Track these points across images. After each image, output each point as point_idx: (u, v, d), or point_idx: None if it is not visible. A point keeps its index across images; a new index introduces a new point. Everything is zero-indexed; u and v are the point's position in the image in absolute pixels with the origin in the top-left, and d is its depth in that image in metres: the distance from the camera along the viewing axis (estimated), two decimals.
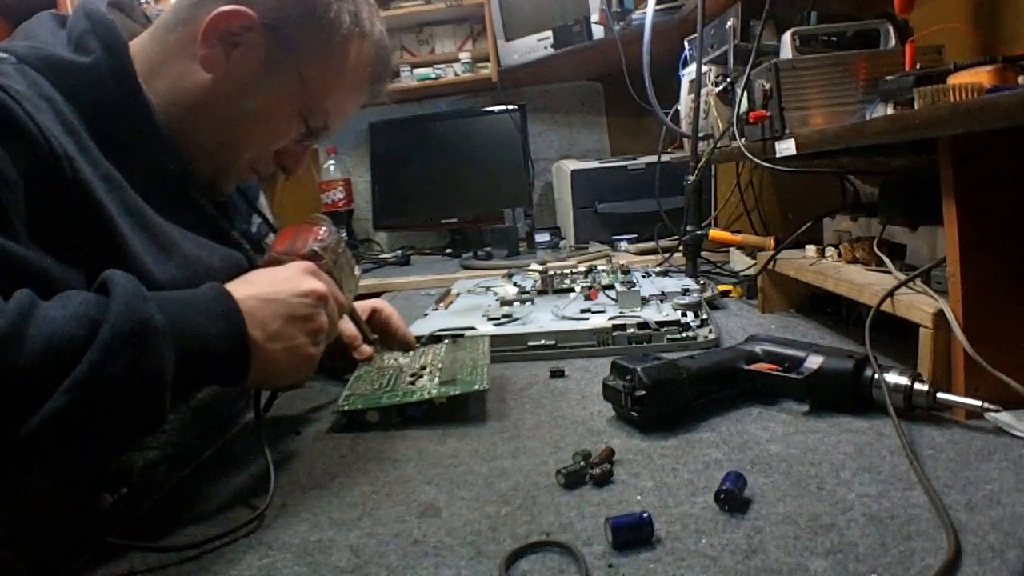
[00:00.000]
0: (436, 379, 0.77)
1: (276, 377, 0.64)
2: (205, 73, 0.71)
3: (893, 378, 0.63)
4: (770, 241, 1.25)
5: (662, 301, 1.07)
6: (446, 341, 0.93)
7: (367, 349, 0.90)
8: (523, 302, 1.15)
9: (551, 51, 2.11)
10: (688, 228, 1.38)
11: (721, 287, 1.23)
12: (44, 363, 0.47)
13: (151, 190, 0.68)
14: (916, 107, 0.69)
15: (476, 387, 0.74)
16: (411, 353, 0.89)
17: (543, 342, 0.95)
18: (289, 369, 0.63)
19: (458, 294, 1.31)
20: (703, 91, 1.32)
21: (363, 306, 0.98)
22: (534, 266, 1.52)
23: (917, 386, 0.62)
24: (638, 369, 0.66)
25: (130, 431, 0.54)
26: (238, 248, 0.79)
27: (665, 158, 1.61)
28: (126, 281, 0.53)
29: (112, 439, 0.53)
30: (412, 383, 0.77)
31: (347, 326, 0.88)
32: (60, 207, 0.57)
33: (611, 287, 1.17)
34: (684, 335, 0.93)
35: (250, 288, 0.62)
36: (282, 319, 0.62)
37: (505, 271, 1.53)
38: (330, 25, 0.74)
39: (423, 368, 0.82)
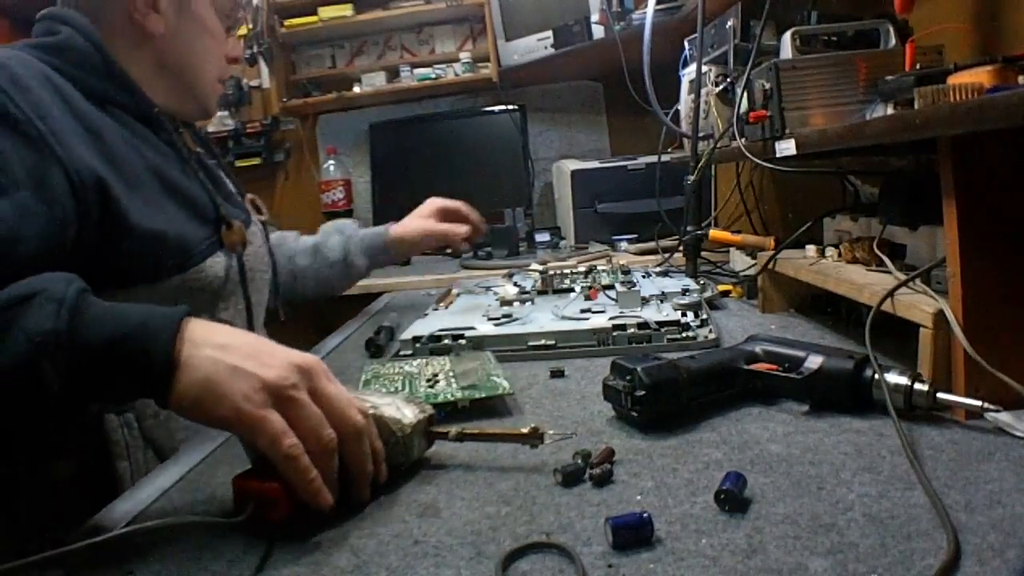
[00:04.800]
0: (455, 384, 0.77)
1: (204, 417, 0.53)
2: (152, 34, 0.90)
3: (893, 378, 0.63)
4: (770, 241, 1.25)
5: (662, 301, 1.07)
6: (450, 355, 0.92)
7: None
8: (523, 302, 1.15)
9: (551, 51, 2.11)
10: (688, 228, 1.38)
11: (721, 287, 1.23)
12: None
13: (140, 137, 0.85)
14: (916, 107, 0.69)
15: (500, 391, 0.74)
16: (416, 362, 0.89)
17: (543, 342, 0.95)
18: (219, 414, 0.52)
19: (458, 294, 1.31)
20: (703, 91, 1.32)
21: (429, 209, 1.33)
22: (534, 266, 1.52)
23: (917, 386, 0.62)
24: (638, 369, 0.65)
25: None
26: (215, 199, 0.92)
27: (665, 158, 1.61)
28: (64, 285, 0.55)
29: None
30: (431, 387, 0.77)
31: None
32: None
33: (611, 287, 1.17)
34: (684, 335, 0.93)
35: (212, 334, 0.55)
36: (242, 353, 0.54)
37: (505, 271, 1.53)
38: None
39: (435, 375, 0.82)
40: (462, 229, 1.30)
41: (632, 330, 0.94)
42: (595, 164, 2.05)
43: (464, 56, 2.43)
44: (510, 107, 2.32)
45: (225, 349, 0.53)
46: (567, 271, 1.36)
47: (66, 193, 0.71)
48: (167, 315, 0.55)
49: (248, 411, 0.51)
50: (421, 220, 1.34)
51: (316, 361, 0.55)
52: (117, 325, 0.53)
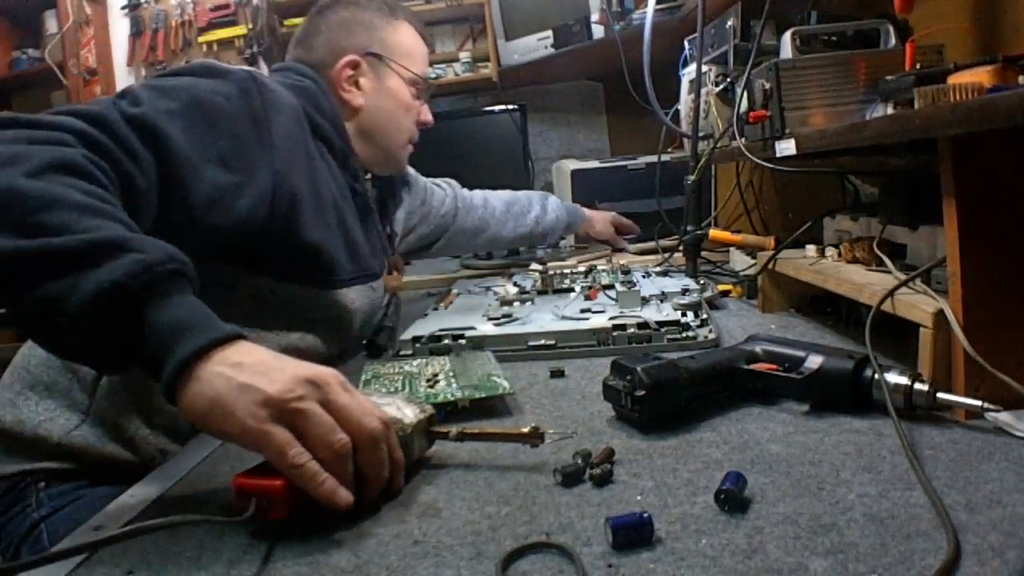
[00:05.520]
0: (455, 384, 0.77)
1: (206, 423, 0.54)
2: (354, 107, 1.09)
3: (893, 378, 0.63)
4: (770, 241, 1.25)
5: (662, 301, 1.07)
6: (450, 355, 0.92)
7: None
8: (523, 302, 1.15)
9: (551, 51, 2.12)
10: (688, 228, 1.38)
11: (721, 287, 1.23)
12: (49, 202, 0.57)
13: (336, 178, 1.00)
14: (916, 107, 0.69)
15: (500, 391, 0.74)
16: (416, 362, 0.89)
17: (543, 342, 0.95)
18: (220, 426, 0.53)
19: (458, 294, 1.31)
20: (703, 91, 1.32)
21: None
22: (534, 266, 1.52)
23: (917, 386, 0.62)
24: (638, 369, 0.65)
25: (58, 322, 0.55)
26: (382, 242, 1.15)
27: (665, 158, 1.61)
28: (154, 243, 0.59)
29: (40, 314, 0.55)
30: (431, 387, 0.77)
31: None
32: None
33: (611, 287, 1.17)
34: (684, 335, 0.93)
35: (242, 354, 0.56)
36: (260, 368, 0.55)
37: (505, 271, 1.53)
38: (391, 29, 1.14)
39: (435, 375, 0.82)
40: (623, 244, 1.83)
41: (632, 330, 0.94)
42: (595, 164, 2.05)
43: (464, 56, 2.43)
44: (510, 107, 2.31)
45: (238, 367, 0.54)
46: (567, 271, 1.36)
47: (264, 194, 0.83)
48: (215, 329, 0.56)
49: (252, 427, 0.51)
50: (607, 218, 1.80)
51: (330, 373, 0.55)
52: (169, 316, 0.55)
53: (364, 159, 1.11)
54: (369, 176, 1.16)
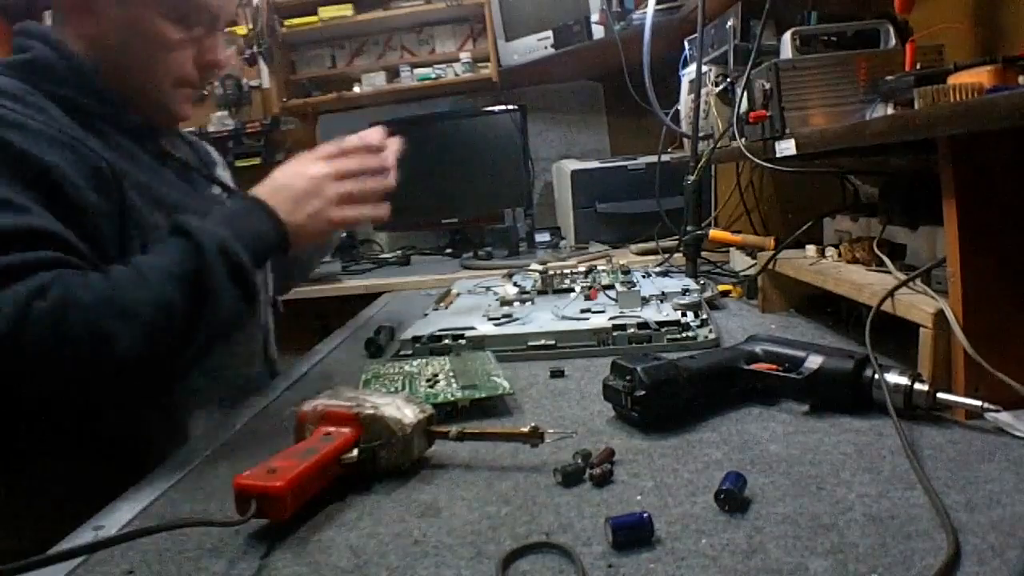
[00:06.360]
0: (455, 384, 0.77)
1: (312, 234, 0.86)
2: (89, 34, 0.86)
3: (893, 378, 0.63)
4: (770, 241, 1.25)
5: (662, 301, 1.07)
6: (450, 355, 0.92)
7: None
8: (523, 302, 1.15)
9: (551, 51, 2.11)
10: (688, 228, 1.38)
11: (721, 287, 1.23)
12: (170, 291, 0.70)
13: (127, 154, 0.85)
14: (916, 107, 0.69)
15: (500, 391, 0.74)
16: (416, 362, 0.89)
17: (543, 342, 0.95)
18: (318, 226, 0.86)
19: (458, 294, 1.31)
20: (703, 91, 1.32)
21: None
22: (534, 266, 1.52)
23: (917, 386, 0.62)
24: (638, 369, 0.65)
25: (240, 310, 0.77)
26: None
27: (665, 158, 1.61)
28: (191, 219, 0.76)
29: (232, 319, 0.76)
30: (431, 387, 0.77)
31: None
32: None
33: (611, 287, 1.17)
34: (684, 335, 0.93)
35: (270, 184, 0.85)
36: (295, 199, 0.84)
37: (505, 271, 1.53)
38: None
39: (435, 375, 0.82)
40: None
41: (632, 330, 0.94)
42: (595, 164, 2.05)
43: (464, 56, 2.43)
44: (510, 107, 2.32)
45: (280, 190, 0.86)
46: (567, 271, 1.36)
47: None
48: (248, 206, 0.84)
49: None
50: None
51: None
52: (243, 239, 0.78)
53: (135, 104, 0.89)
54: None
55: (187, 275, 0.71)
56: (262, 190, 0.85)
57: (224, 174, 1.11)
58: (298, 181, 0.86)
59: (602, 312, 1.03)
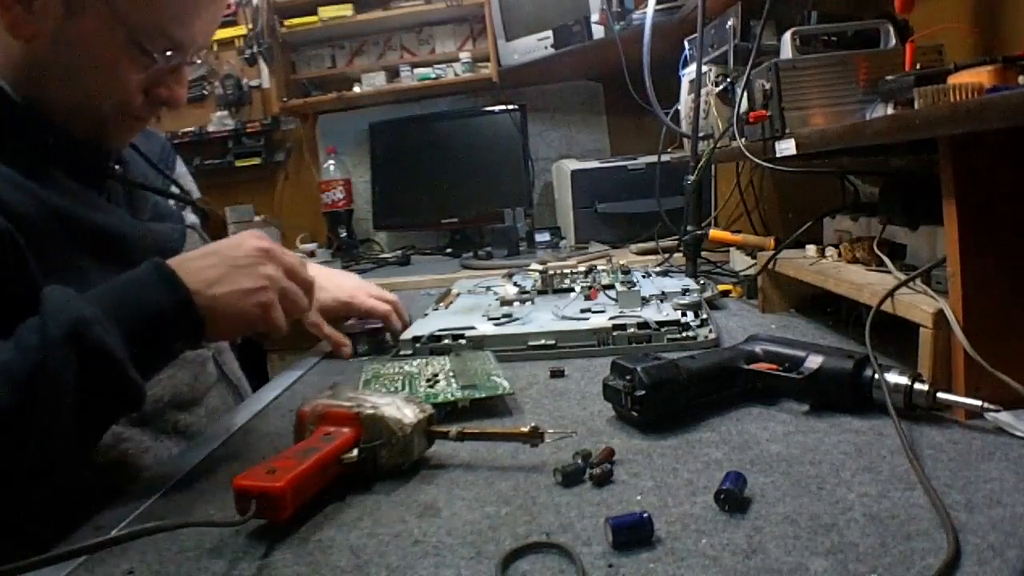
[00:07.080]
0: (455, 384, 0.77)
1: (236, 323, 0.67)
2: (16, 39, 0.70)
3: (893, 378, 0.63)
4: (770, 241, 1.25)
5: (662, 301, 1.07)
6: (450, 355, 0.92)
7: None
8: (523, 302, 1.14)
9: (551, 51, 2.11)
10: (688, 228, 1.38)
11: (721, 287, 1.23)
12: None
13: (39, 176, 0.69)
14: (916, 107, 0.69)
15: (500, 391, 0.74)
16: (416, 362, 0.89)
17: (543, 342, 0.95)
18: (245, 313, 0.67)
19: (458, 294, 1.31)
20: (703, 91, 1.32)
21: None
22: (534, 266, 1.52)
23: (917, 386, 0.62)
24: (638, 369, 0.65)
25: (111, 409, 0.63)
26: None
27: (665, 158, 1.61)
28: (56, 292, 0.59)
29: (96, 421, 0.62)
30: (431, 387, 0.77)
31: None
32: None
33: (611, 287, 1.17)
34: (684, 335, 0.93)
35: (199, 250, 0.70)
36: (221, 267, 0.67)
37: (505, 271, 1.53)
38: None
39: (435, 375, 0.82)
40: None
41: (632, 330, 0.94)
42: (595, 164, 2.05)
43: (464, 56, 2.43)
44: (510, 107, 2.32)
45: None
46: (567, 271, 1.35)
47: None
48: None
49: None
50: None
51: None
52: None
53: (63, 116, 0.74)
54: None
55: (20, 366, 0.55)
56: (185, 255, 0.69)
57: (181, 170, 1.03)
58: (232, 251, 0.69)
59: (602, 312, 1.03)
